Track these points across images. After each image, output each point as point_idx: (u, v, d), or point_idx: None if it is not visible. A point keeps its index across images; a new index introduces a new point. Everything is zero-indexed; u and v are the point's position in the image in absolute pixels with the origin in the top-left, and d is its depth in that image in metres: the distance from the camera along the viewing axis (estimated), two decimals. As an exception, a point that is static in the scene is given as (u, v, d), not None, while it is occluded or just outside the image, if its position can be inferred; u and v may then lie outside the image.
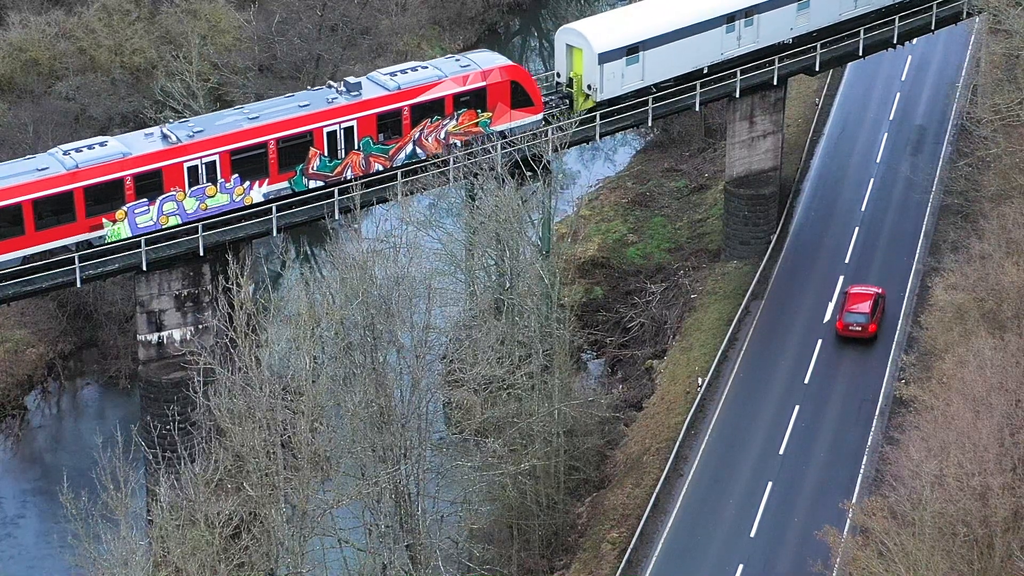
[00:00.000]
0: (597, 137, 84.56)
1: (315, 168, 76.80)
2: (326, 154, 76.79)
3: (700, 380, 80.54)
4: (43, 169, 71.91)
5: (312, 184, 76.90)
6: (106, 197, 72.40)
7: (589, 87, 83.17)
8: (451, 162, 78.16)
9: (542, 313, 75.96)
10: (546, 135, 79.21)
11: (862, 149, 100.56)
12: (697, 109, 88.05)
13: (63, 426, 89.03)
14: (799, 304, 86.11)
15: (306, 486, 59.98)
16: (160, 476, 60.39)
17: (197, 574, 57.58)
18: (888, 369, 79.70)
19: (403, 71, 79.88)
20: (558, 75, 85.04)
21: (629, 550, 70.07)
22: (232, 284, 64.34)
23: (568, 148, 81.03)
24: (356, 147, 77.45)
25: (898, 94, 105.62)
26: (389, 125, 78.09)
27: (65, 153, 72.91)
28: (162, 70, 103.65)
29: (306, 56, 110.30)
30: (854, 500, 68.31)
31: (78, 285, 73.20)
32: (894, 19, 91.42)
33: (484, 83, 79.95)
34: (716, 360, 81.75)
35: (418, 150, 78.93)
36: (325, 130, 76.49)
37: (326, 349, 67.14)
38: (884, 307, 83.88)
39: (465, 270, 78.86)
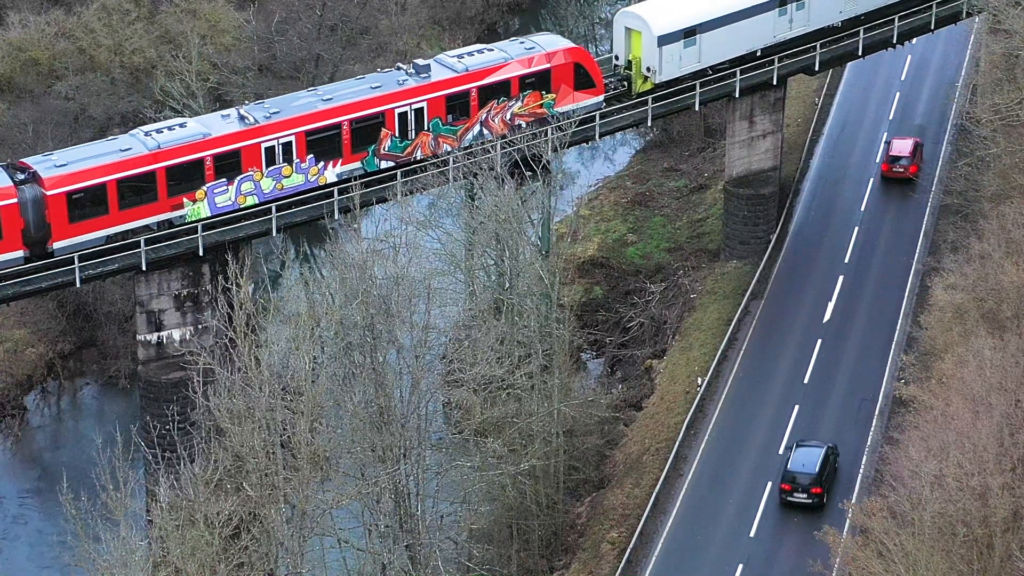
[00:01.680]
0: (597, 137, 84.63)
1: (386, 149, 78.03)
2: (397, 135, 77.96)
3: (700, 380, 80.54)
4: (126, 150, 73.15)
5: (384, 164, 78.03)
6: (187, 177, 73.85)
7: (648, 69, 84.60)
8: (451, 162, 78.32)
9: (542, 313, 75.95)
10: (545, 135, 79.27)
11: (862, 149, 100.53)
12: (697, 109, 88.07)
13: (63, 426, 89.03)
14: (799, 304, 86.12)
15: (306, 486, 59.97)
16: (160, 476, 60.37)
17: (197, 574, 57.56)
18: (888, 369, 79.70)
19: (470, 53, 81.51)
20: (616, 58, 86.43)
21: (629, 550, 70.06)
22: (232, 284, 64.32)
23: (568, 148, 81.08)
24: (426, 128, 78.67)
25: (898, 94, 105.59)
26: (458, 106, 79.51)
27: (147, 134, 74.31)
28: (162, 70, 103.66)
29: (306, 56, 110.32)
30: (854, 500, 68.30)
31: (78, 285, 73.22)
32: (894, 19, 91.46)
33: (549, 65, 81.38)
34: (716, 360, 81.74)
35: (485, 131, 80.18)
36: (397, 111, 77.65)
37: (326, 349, 67.16)
38: (922, 154, 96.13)
39: (465, 270, 78.87)
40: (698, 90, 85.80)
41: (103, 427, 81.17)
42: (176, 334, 75.39)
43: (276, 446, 60.27)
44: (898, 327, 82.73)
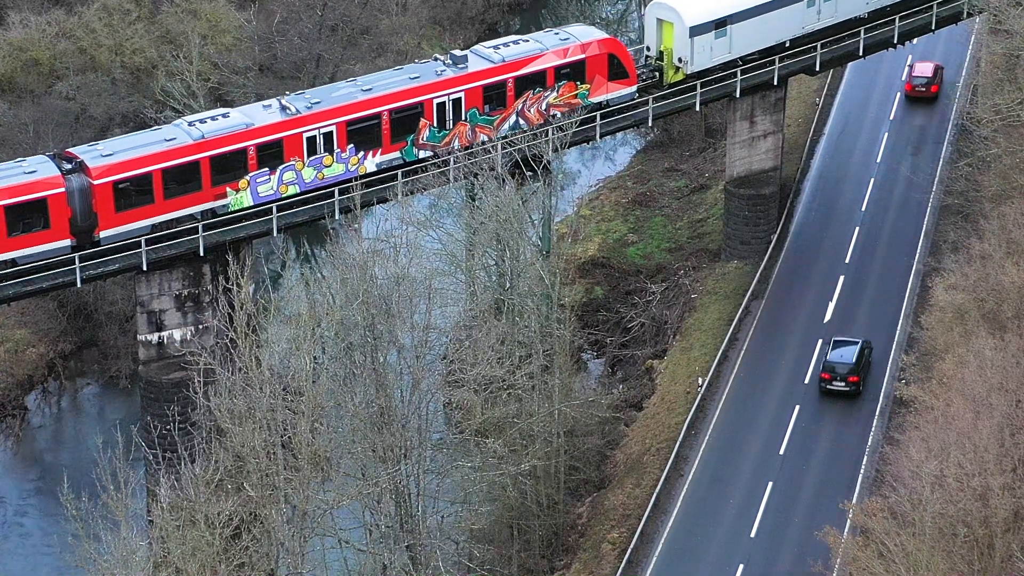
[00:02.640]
0: (597, 137, 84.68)
1: (425, 138, 78.79)
2: (435, 125, 78.74)
3: (700, 380, 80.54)
4: (171, 139, 73.84)
5: (422, 154, 78.70)
6: (231, 166, 74.65)
7: (680, 60, 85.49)
8: (451, 162, 78.39)
9: (542, 313, 75.93)
10: (546, 135, 79.32)
11: (862, 149, 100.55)
12: (697, 109, 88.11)
13: (63, 426, 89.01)
14: (799, 304, 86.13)
15: (306, 486, 59.95)
16: (160, 476, 60.37)
17: (197, 574, 57.55)
18: (888, 369, 79.71)
19: (506, 44, 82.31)
20: (648, 49, 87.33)
21: (629, 550, 70.08)
22: (232, 284, 64.33)
23: (568, 148, 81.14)
24: (463, 118, 79.38)
25: (898, 94, 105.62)
26: (494, 97, 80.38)
27: (191, 124, 74.99)
28: (162, 70, 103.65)
29: (306, 56, 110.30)
30: (854, 500, 68.31)
31: (78, 285, 73.24)
32: (894, 19, 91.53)
33: (583, 55, 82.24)
34: (716, 360, 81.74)
35: (521, 121, 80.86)
36: (435, 101, 78.48)
37: (326, 349, 67.13)
38: (943, 76, 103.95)
39: (465, 270, 78.86)
40: (699, 90, 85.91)
41: (104, 427, 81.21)
42: (177, 334, 75.40)
43: (277, 446, 60.26)
44: (899, 327, 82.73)
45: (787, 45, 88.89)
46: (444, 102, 78.85)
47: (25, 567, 77.34)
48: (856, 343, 78.97)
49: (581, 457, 77.65)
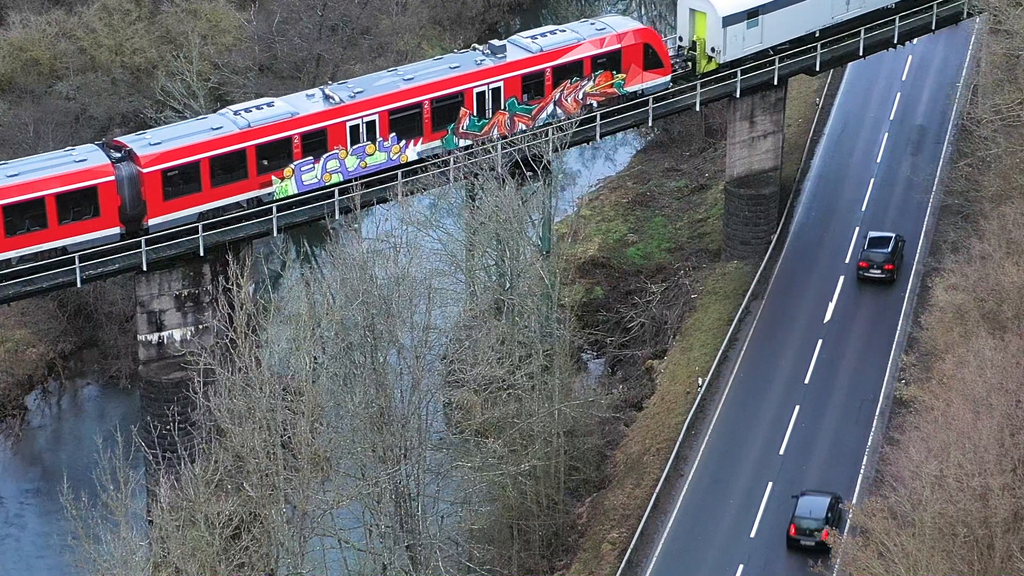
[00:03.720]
0: (597, 137, 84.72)
1: (465, 127, 79.59)
2: (475, 114, 79.54)
3: (700, 380, 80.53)
4: (218, 128, 74.49)
5: (462, 143, 79.50)
6: (276, 155, 75.48)
7: (712, 49, 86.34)
8: (451, 162, 78.45)
9: (542, 313, 75.94)
10: (546, 135, 79.36)
11: (862, 149, 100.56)
12: (697, 109, 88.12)
13: (63, 426, 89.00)
14: (799, 304, 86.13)
15: (306, 486, 59.95)
16: (160, 476, 60.32)
17: (197, 575, 57.55)
18: (888, 369, 79.71)
19: (543, 34, 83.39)
20: (680, 39, 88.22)
21: (629, 550, 70.07)
22: (232, 284, 64.30)
23: (568, 148, 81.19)
24: (502, 107, 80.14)
25: (898, 94, 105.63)
26: (532, 86, 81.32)
27: (236, 113, 75.77)
28: (162, 70, 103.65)
29: (306, 56, 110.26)
30: (854, 501, 68.31)
31: (78, 285, 73.26)
32: (894, 19, 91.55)
33: (619, 45, 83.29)
34: (716, 360, 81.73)
35: (558, 110, 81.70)
36: (475, 90, 79.32)
37: (326, 349, 67.11)
38: None
39: (465, 270, 78.87)
40: (699, 90, 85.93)
41: (104, 427, 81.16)
42: (177, 334, 75.44)
43: (277, 446, 60.25)
44: (899, 327, 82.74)
45: (816, 35, 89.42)
46: (484, 91, 79.65)
47: (25, 567, 77.34)
48: (891, 236, 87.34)
49: (581, 457, 77.64)
